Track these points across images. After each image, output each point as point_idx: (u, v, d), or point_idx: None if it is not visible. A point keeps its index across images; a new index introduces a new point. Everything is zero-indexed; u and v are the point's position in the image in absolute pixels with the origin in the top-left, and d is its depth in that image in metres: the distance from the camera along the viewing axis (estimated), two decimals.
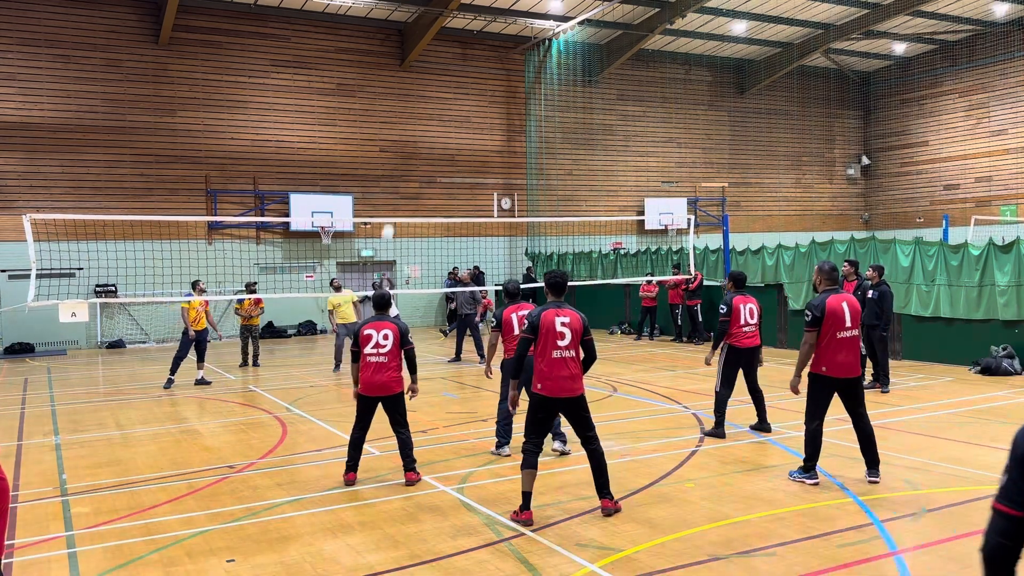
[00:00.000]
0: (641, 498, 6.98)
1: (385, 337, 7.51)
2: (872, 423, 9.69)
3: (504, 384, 8.52)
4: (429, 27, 24.21)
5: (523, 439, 6.52)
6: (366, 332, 7.55)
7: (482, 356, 16.66)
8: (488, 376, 9.00)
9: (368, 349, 7.49)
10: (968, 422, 9.86)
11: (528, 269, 26.90)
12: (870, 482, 7.19)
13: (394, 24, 25.64)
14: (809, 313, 7.19)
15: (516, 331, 8.27)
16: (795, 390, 7.35)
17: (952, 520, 6.24)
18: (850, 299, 7.32)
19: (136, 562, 5.81)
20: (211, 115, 23.51)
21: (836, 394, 7.30)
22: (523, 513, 6.34)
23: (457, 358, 16.85)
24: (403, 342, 7.57)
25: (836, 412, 10.46)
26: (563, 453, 8.47)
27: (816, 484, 7.21)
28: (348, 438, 7.78)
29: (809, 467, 7.29)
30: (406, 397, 7.75)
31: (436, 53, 26.41)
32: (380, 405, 7.63)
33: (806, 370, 7.32)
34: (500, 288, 9.51)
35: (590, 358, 6.55)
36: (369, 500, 7.14)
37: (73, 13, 21.91)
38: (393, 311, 17.02)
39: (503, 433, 8.52)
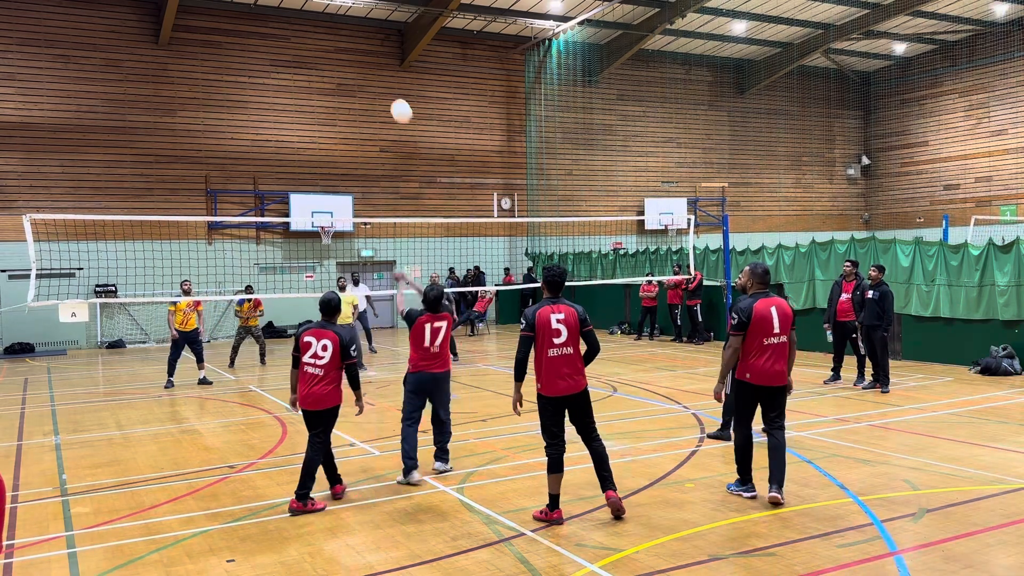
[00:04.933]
0: (641, 498, 6.97)
1: (324, 348, 6.86)
2: (871, 423, 9.69)
3: (408, 398, 7.73)
4: (429, 27, 24.21)
5: (544, 443, 6.43)
6: (306, 339, 6.94)
7: (455, 355, 16.59)
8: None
9: (306, 358, 6.90)
10: (968, 422, 9.86)
11: (529, 269, 26.91)
12: (771, 499, 6.62)
13: (394, 24, 25.64)
14: (735, 316, 6.86)
15: (427, 342, 7.62)
16: (717, 396, 7.08)
17: (952, 520, 6.24)
18: (781, 304, 6.91)
19: (136, 562, 5.81)
20: (211, 115, 23.51)
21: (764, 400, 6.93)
22: (553, 512, 6.32)
23: (455, 357, 16.92)
24: (343, 355, 6.89)
25: (835, 413, 10.51)
26: (441, 472, 7.84)
27: (754, 497, 6.85)
28: (310, 452, 6.98)
29: (745, 479, 6.95)
30: (353, 413, 7.11)
31: (436, 53, 26.41)
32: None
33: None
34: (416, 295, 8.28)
35: (592, 349, 6.50)
36: (369, 500, 7.14)
37: (73, 13, 21.91)
38: (363, 290, 16.80)
39: (410, 455, 7.56)
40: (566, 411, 6.44)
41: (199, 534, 6.34)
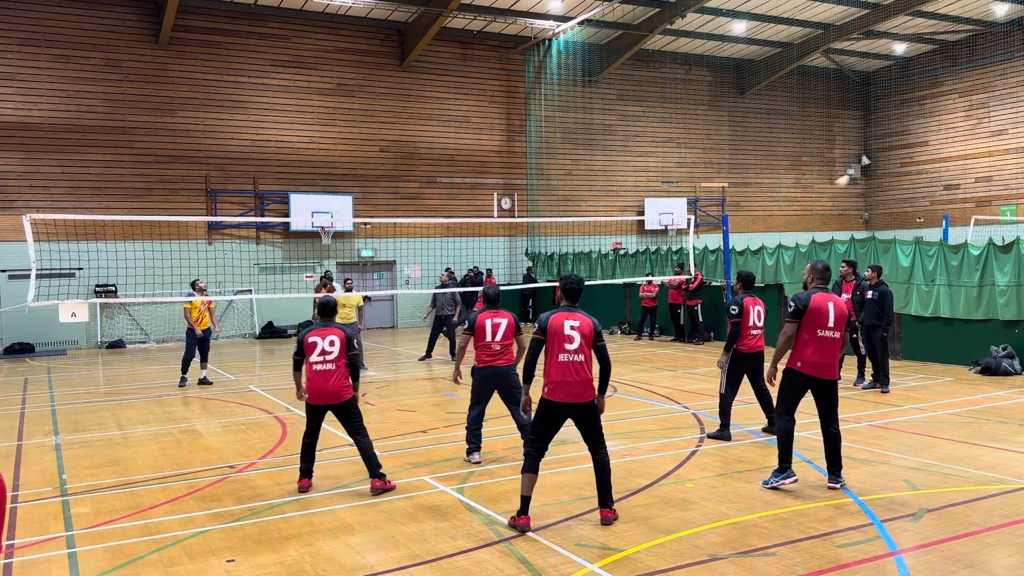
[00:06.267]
0: (641, 498, 6.98)
1: (331, 344, 7.30)
2: (871, 423, 9.70)
3: (474, 390, 8.30)
4: (429, 27, 24.21)
5: (526, 441, 6.43)
6: (311, 340, 7.34)
7: (454, 354, 16.84)
8: (457, 382, 8.70)
9: (314, 357, 7.29)
10: (968, 422, 9.86)
11: (528, 269, 26.90)
12: (829, 488, 7.09)
13: (394, 24, 25.63)
14: (792, 304, 7.15)
15: (488, 338, 8.08)
16: (770, 380, 7.61)
17: (952, 520, 6.24)
18: (838, 301, 7.16)
19: (136, 562, 5.81)
20: (211, 115, 23.50)
21: (812, 395, 7.22)
22: (520, 518, 6.22)
23: (428, 355, 17.08)
24: (349, 347, 7.35)
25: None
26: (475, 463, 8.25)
27: (795, 483, 7.13)
28: (301, 443, 7.54)
29: (784, 468, 7.16)
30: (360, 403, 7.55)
31: (436, 53, 26.41)
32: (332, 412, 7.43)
33: (783, 363, 7.33)
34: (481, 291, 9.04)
35: (604, 366, 6.32)
36: (369, 500, 7.15)
37: (73, 13, 21.90)
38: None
39: (472, 439, 8.32)
40: (568, 420, 6.35)
41: (199, 534, 6.34)
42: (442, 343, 18.35)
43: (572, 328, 6.25)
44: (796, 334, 7.09)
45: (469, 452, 8.34)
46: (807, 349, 7.04)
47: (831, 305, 7.08)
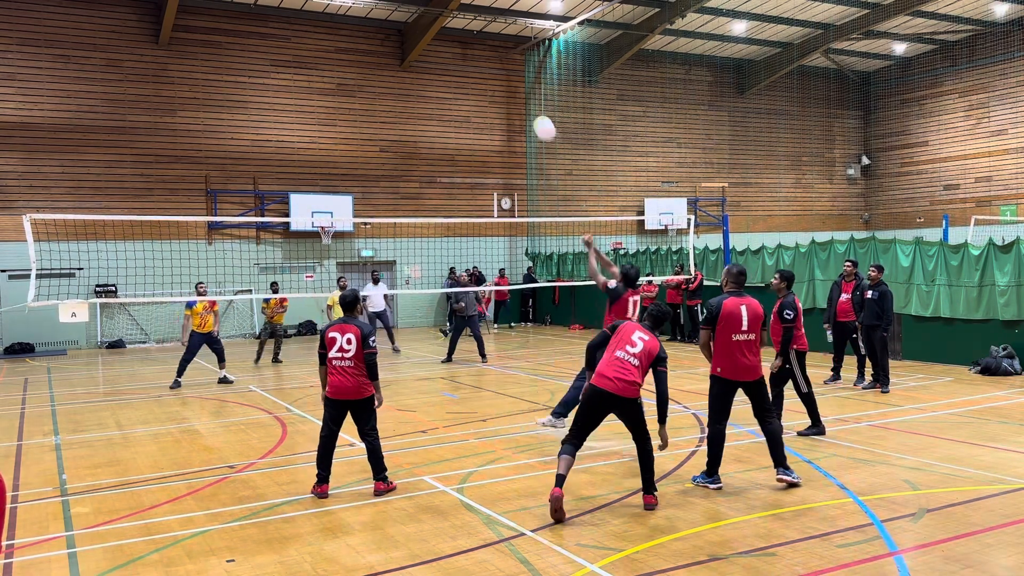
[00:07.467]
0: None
1: (348, 341, 7.21)
2: (871, 423, 9.69)
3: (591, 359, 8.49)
4: (429, 27, 24.21)
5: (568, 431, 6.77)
6: (331, 335, 7.28)
7: (484, 356, 16.69)
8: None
9: (333, 353, 7.24)
10: (968, 422, 9.86)
11: (528, 269, 26.91)
12: (778, 480, 7.13)
13: (394, 24, 25.64)
14: (705, 310, 7.34)
15: (629, 312, 8.70)
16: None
17: (952, 520, 6.24)
18: (751, 303, 7.23)
19: (136, 562, 5.81)
20: (211, 115, 23.50)
21: (747, 396, 7.34)
22: (552, 490, 6.35)
23: (449, 359, 16.82)
24: (364, 345, 7.22)
25: (835, 413, 10.51)
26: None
27: (719, 489, 7.12)
28: (318, 442, 7.37)
29: (712, 472, 7.21)
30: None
31: (436, 53, 26.41)
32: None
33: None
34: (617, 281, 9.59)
35: (659, 394, 6.67)
36: (369, 500, 7.15)
37: (73, 13, 21.90)
38: (382, 289, 16.89)
39: (567, 403, 8.51)
40: (609, 414, 6.69)
41: (199, 534, 6.34)
42: (464, 345, 17.98)
43: (640, 338, 6.72)
44: (713, 340, 7.23)
45: (558, 415, 8.55)
46: (725, 355, 7.16)
47: (743, 308, 7.16)
